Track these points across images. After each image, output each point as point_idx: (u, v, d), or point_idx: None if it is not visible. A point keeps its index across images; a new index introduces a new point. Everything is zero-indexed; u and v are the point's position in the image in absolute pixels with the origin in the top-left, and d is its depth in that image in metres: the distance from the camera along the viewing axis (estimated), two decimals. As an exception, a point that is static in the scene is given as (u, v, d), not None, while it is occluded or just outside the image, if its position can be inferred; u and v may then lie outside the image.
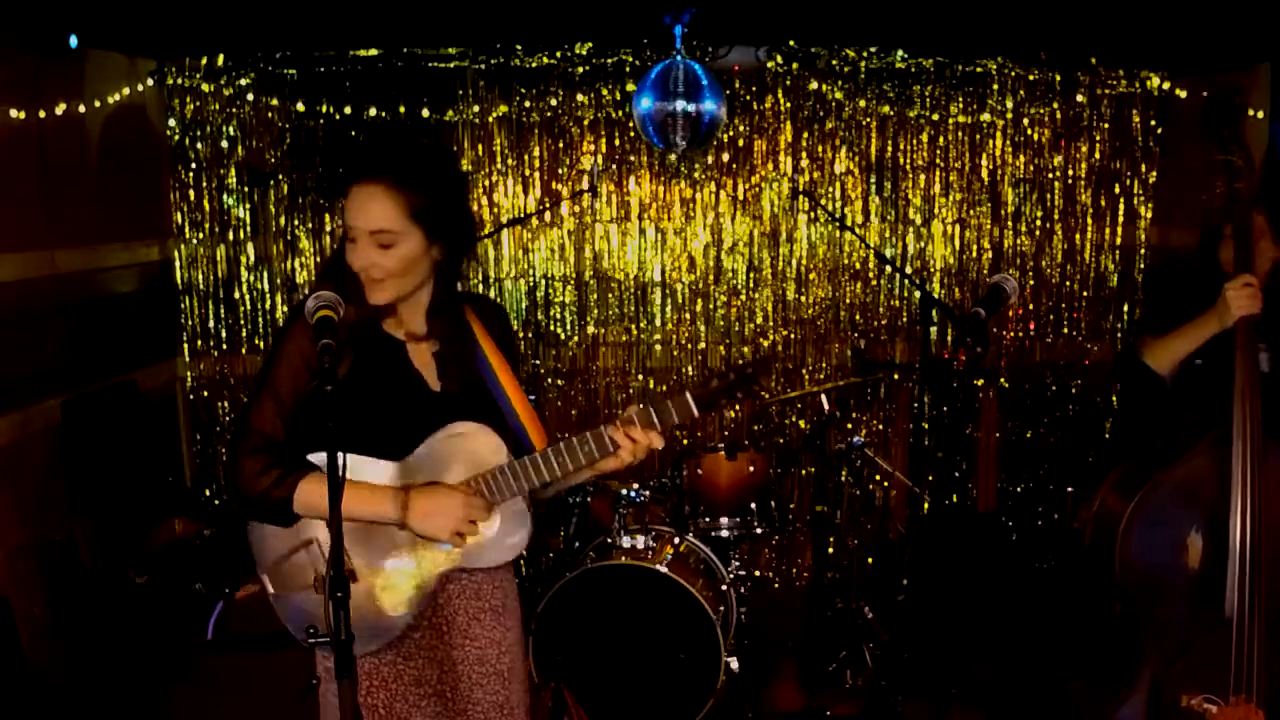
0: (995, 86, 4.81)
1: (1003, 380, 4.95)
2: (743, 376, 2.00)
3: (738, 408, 4.99)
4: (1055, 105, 4.83)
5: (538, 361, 4.64)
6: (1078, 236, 4.97)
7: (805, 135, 4.83)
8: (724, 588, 3.84)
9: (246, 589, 2.03)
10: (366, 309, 2.01)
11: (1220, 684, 2.34)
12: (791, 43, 4.66)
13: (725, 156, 4.85)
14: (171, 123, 4.74)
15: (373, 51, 4.63)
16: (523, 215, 4.81)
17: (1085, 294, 5.00)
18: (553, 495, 2.24)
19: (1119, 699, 2.46)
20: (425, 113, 4.74)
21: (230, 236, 4.85)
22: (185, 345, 4.90)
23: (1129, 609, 2.47)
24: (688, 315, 4.98)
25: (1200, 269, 2.76)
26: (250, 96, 4.73)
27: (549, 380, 4.93)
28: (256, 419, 1.99)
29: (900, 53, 4.70)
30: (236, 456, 1.97)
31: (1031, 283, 4.97)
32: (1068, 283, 4.98)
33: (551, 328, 4.96)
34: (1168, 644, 2.43)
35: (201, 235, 4.84)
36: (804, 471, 4.90)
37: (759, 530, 3.96)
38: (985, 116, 4.83)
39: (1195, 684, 2.37)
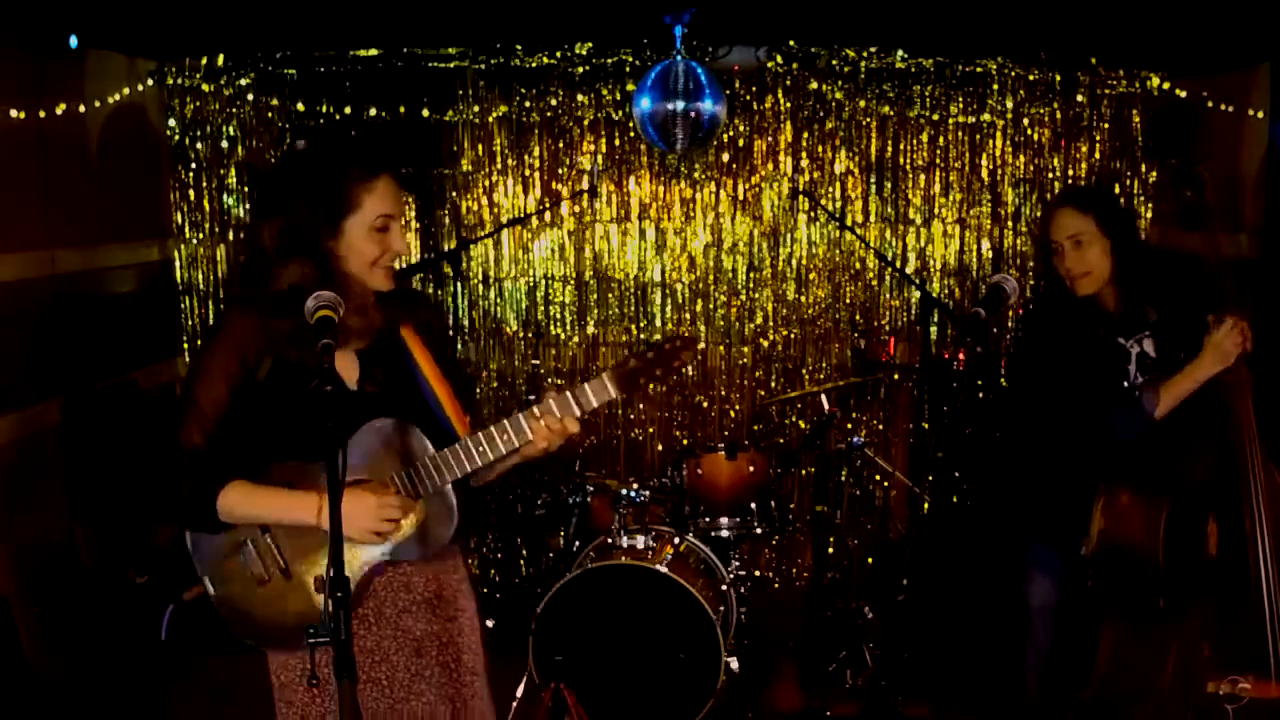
0: (995, 86, 4.81)
1: (1002, 380, 4.95)
2: (661, 354, 2.02)
3: (736, 409, 5.00)
4: (1055, 105, 4.82)
5: (537, 361, 4.64)
6: (1078, 236, 4.96)
7: (805, 135, 4.83)
8: (724, 588, 3.84)
9: (193, 590, 2.05)
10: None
11: (1246, 666, 2.37)
12: (791, 43, 4.66)
13: (725, 156, 4.85)
14: (171, 123, 4.74)
15: (373, 51, 4.63)
16: (523, 215, 4.82)
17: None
18: (494, 479, 2.26)
19: (1149, 694, 2.47)
20: (425, 113, 4.75)
21: (230, 236, 4.84)
22: (185, 345, 4.90)
23: (1170, 595, 2.49)
24: (688, 315, 4.97)
25: (1059, 296, 2.80)
26: (250, 96, 4.73)
27: (549, 380, 4.93)
28: (183, 437, 2.08)
29: (900, 53, 4.70)
30: (166, 471, 2.06)
31: (1031, 283, 4.96)
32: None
33: (551, 328, 4.96)
34: (1193, 631, 2.45)
35: (201, 235, 4.84)
36: (804, 471, 4.89)
37: (759, 530, 3.96)
38: (985, 116, 4.83)
39: (1222, 668, 2.40)
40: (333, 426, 1.73)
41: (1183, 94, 4.67)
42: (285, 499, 2.04)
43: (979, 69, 4.76)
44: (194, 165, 4.78)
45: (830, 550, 4.34)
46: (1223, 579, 2.43)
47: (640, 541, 3.72)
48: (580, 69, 4.73)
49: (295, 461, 2.05)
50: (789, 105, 4.80)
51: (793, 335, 4.98)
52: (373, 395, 2.11)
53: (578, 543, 3.95)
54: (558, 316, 4.96)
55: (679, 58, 3.98)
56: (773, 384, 5.00)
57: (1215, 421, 2.52)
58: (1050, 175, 4.88)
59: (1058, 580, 2.89)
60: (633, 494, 3.88)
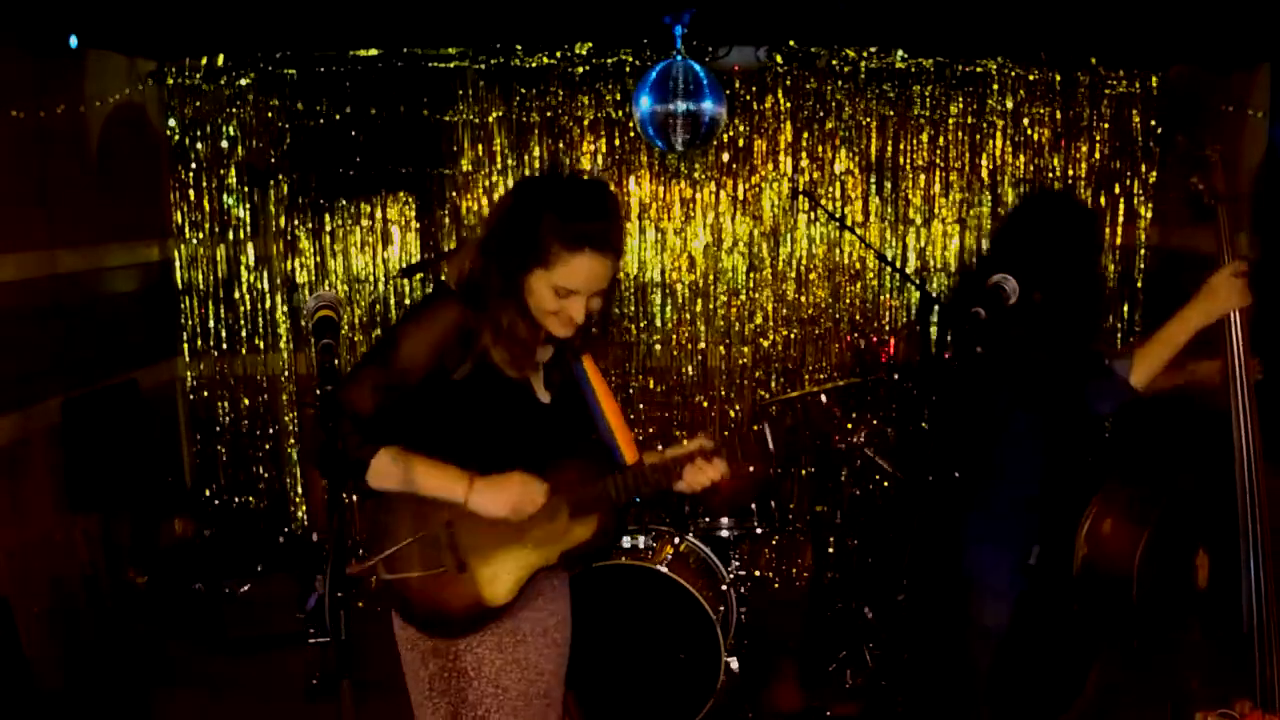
0: (995, 86, 4.80)
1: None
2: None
3: (736, 409, 5.00)
4: (1055, 105, 4.82)
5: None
6: (1078, 236, 4.96)
7: (805, 135, 4.83)
8: (724, 588, 3.84)
9: (361, 565, 2.07)
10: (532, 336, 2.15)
11: (1237, 698, 2.34)
12: (791, 43, 4.66)
13: (725, 156, 4.85)
14: (171, 123, 4.74)
15: (373, 51, 4.63)
16: (523, 215, 4.80)
17: (1085, 294, 5.00)
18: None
19: None
20: (425, 113, 4.75)
21: (230, 236, 4.85)
22: (185, 345, 4.90)
23: (1145, 635, 2.43)
24: (688, 315, 4.97)
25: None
26: (250, 96, 4.73)
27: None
28: (353, 398, 2.04)
29: (900, 53, 4.70)
30: (340, 415, 1.99)
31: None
32: (1068, 283, 4.97)
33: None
34: (1183, 663, 2.42)
35: (201, 235, 4.84)
36: (804, 471, 4.89)
37: (759, 530, 3.96)
38: (986, 116, 4.83)
39: (1211, 701, 2.36)
40: (335, 444, 1.76)
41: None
42: (440, 472, 2.09)
43: (979, 69, 4.76)
44: (194, 165, 4.78)
45: (830, 550, 4.34)
46: (1213, 611, 2.33)
47: (640, 541, 3.73)
48: (580, 69, 4.72)
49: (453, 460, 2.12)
50: (789, 105, 4.80)
51: (793, 335, 4.98)
52: (556, 407, 2.23)
53: (578, 543, 3.95)
54: (558, 316, 4.95)
55: (679, 58, 3.98)
56: (773, 384, 5.00)
57: (1210, 431, 2.39)
58: (1050, 175, 4.88)
59: (1012, 599, 2.68)
60: (633, 494, 3.88)
